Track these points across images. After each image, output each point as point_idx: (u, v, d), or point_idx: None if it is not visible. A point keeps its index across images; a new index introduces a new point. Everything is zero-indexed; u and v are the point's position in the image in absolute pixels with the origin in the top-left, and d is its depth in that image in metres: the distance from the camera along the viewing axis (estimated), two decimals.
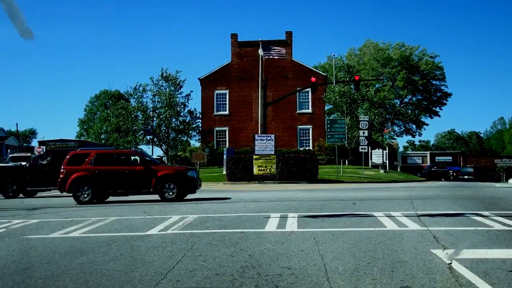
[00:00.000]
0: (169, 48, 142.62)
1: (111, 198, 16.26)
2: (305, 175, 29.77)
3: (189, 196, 16.12)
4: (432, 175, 45.19)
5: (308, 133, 44.54)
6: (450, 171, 48.04)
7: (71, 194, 15.14)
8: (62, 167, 15.46)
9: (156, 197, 15.37)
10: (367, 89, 43.07)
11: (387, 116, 56.06)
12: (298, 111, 44.58)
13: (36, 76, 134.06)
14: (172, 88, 40.45)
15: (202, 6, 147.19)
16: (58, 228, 8.71)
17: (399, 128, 66.65)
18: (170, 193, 15.03)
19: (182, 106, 40.94)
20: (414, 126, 67.16)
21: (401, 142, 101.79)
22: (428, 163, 55.83)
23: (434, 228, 7.78)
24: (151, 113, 39.93)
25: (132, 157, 16.08)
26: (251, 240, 6.91)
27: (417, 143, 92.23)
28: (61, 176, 15.29)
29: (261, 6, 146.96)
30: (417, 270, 4.95)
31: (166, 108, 39.67)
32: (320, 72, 48.72)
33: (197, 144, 45.45)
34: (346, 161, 39.92)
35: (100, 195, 15.52)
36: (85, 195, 14.90)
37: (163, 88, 40.54)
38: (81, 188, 14.95)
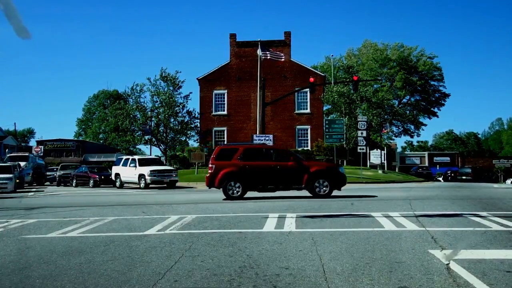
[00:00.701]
0: (168, 49, 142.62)
1: (250, 194, 15.65)
2: None
3: (335, 193, 15.36)
4: (419, 176, 45.32)
5: (307, 133, 44.53)
6: (448, 172, 48.11)
7: (220, 189, 14.95)
8: (211, 162, 15.18)
9: (302, 193, 15.08)
10: (366, 88, 43.09)
11: (386, 116, 56.03)
12: (296, 111, 44.55)
13: (35, 76, 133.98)
14: (171, 88, 40.43)
15: (201, 6, 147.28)
16: (56, 228, 8.70)
17: (397, 128, 66.70)
18: (322, 190, 14.84)
19: (181, 106, 40.92)
20: (412, 127, 67.20)
21: (400, 142, 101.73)
22: (427, 164, 56.06)
23: (432, 228, 7.78)
24: (149, 113, 39.88)
25: (280, 153, 15.76)
26: (249, 240, 6.91)
27: (415, 143, 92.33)
28: (209, 171, 15.02)
29: (260, 6, 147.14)
30: (415, 271, 4.95)
31: (165, 108, 39.62)
32: (319, 72, 48.69)
33: (196, 144, 45.38)
34: (345, 161, 39.93)
35: (249, 190, 15.19)
36: (235, 191, 14.77)
37: (161, 88, 40.53)
38: (232, 183, 14.77)
